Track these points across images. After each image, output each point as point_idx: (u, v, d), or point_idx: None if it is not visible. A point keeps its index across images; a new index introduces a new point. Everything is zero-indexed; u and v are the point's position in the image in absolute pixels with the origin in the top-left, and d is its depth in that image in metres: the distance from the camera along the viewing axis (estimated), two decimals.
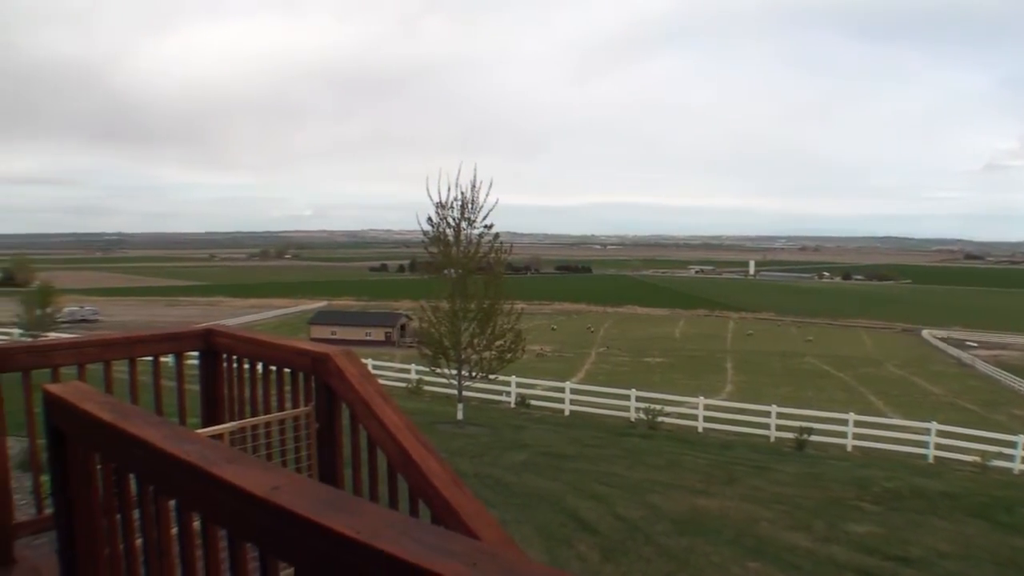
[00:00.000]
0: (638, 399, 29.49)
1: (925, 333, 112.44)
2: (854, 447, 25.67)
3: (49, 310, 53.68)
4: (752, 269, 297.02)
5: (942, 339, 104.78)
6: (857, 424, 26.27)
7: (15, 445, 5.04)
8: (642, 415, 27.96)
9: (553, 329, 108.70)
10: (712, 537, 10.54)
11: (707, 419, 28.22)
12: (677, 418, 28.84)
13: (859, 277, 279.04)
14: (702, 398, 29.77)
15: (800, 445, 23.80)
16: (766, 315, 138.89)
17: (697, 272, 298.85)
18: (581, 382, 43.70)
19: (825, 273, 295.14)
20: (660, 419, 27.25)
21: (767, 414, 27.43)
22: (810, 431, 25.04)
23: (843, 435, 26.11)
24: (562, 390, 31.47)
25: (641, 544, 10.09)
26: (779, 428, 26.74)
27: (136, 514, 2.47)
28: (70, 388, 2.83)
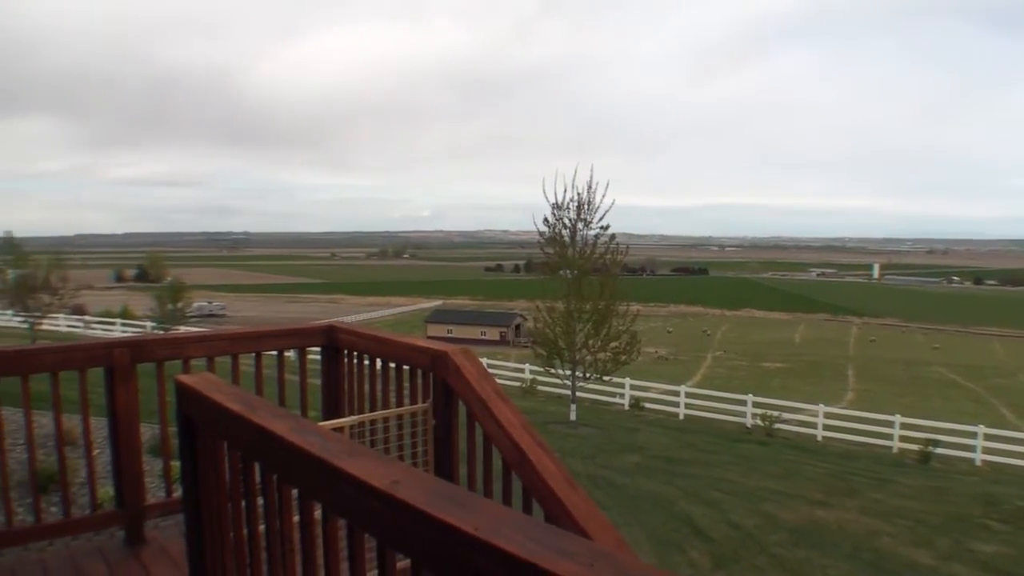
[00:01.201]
0: (755, 405, 28.92)
1: None
2: (983, 462, 24.50)
3: (180, 305, 55.85)
4: (876, 272, 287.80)
5: None
6: (987, 438, 25.03)
7: (147, 431, 5.27)
8: (759, 421, 27.42)
9: (669, 332, 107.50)
10: (829, 550, 10.28)
11: (827, 427, 27.43)
12: (795, 425, 28.18)
13: (992, 282, 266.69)
14: (822, 406, 28.98)
15: (925, 458, 22.91)
16: (890, 321, 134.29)
17: (818, 275, 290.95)
18: (696, 386, 43.12)
19: (955, 278, 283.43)
20: (777, 426, 26.69)
21: (890, 424, 26.47)
22: (936, 443, 24.08)
23: (971, 449, 24.91)
24: (677, 393, 31.10)
25: (755, 553, 9.92)
26: (903, 439, 25.77)
27: (260, 501, 2.55)
28: (201, 379, 2.94)
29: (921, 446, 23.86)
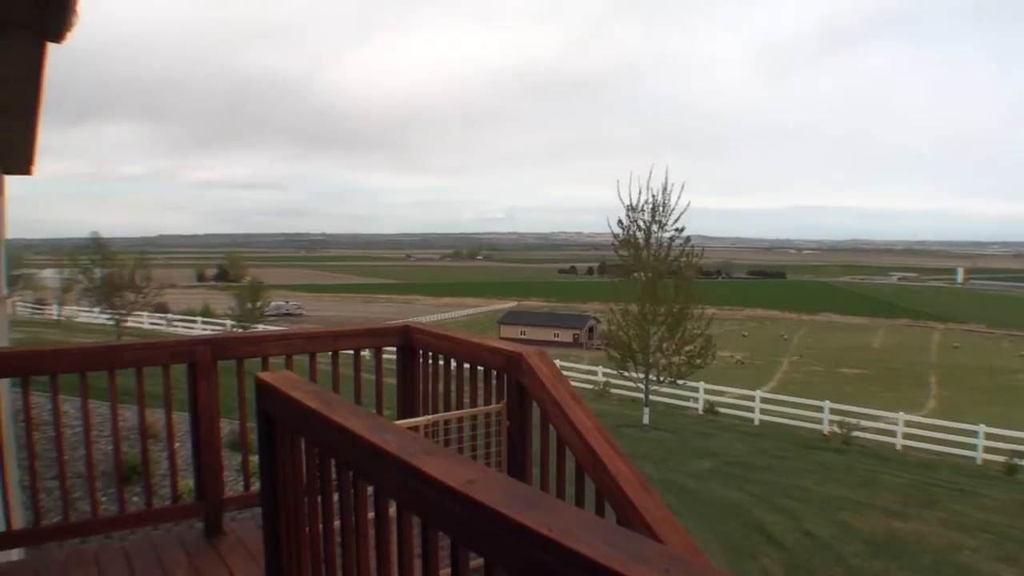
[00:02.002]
0: (831, 411, 28.39)
1: None
2: None
3: (258, 304, 56.96)
4: (960, 276, 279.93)
5: None
6: None
7: (226, 427, 5.38)
8: (836, 428, 26.92)
9: (744, 336, 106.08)
10: (908, 562, 10.05)
11: (906, 436, 26.80)
12: (874, 433, 27.57)
13: None
14: (902, 414, 28.30)
15: (1011, 470, 22.21)
16: (975, 327, 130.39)
17: (899, 279, 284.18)
18: (772, 391, 42.48)
19: None
20: (855, 433, 26.16)
21: (974, 434, 25.73)
22: (1023, 455, 23.33)
23: None
24: (751, 398, 30.72)
25: (830, 563, 9.75)
26: (987, 450, 25.03)
27: (335, 497, 2.58)
28: (280, 377, 2.99)
29: (1007, 457, 23.14)
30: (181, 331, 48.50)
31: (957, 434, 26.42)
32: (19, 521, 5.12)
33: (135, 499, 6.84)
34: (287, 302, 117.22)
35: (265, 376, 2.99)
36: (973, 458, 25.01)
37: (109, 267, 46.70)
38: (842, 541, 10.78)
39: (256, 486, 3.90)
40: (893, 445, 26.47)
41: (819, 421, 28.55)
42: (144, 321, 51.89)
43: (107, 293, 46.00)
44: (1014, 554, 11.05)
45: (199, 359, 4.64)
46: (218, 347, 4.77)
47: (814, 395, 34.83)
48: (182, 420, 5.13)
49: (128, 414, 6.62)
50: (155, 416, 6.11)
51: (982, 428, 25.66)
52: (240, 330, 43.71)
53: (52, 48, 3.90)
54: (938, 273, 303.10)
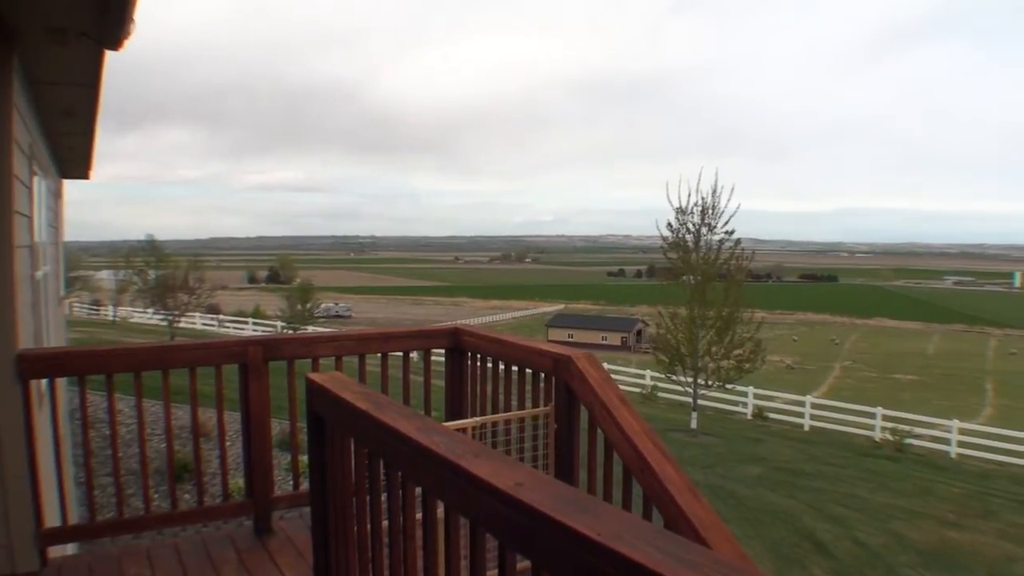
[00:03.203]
0: (884, 418, 27.95)
1: None
2: None
3: (308, 305, 57.55)
4: (1018, 281, 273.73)
5: None
6: None
7: (276, 426, 5.45)
8: (888, 435, 26.47)
9: (795, 340, 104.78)
10: (961, 574, 9.86)
11: (962, 444, 26.27)
12: (928, 441, 27.11)
13: None
14: (957, 421, 27.75)
15: None
16: None
17: (954, 283, 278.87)
18: (823, 397, 41.92)
19: None
20: (908, 441, 25.71)
21: None
22: None
23: None
24: (802, 404, 30.35)
25: (881, 574, 9.61)
26: None
27: (383, 497, 2.60)
28: (331, 378, 3.02)
29: None
30: (232, 332, 49.14)
31: (1015, 443, 25.85)
32: (74, 516, 5.23)
33: (187, 496, 6.95)
34: (337, 304, 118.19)
35: (315, 377, 3.02)
36: None
37: (163, 269, 47.54)
38: (894, 551, 10.60)
39: (305, 485, 3.94)
40: (948, 453, 25.98)
41: (871, 428, 28.13)
42: (196, 322, 52.67)
43: (161, 294, 46.84)
44: None
45: (251, 359, 4.70)
46: (269, 348, 4.83)
47: (866, 401, 34.36)
48: (233, 420, 5.20)
49: (180, 413, 6.74)
50: (207, 415, 6.20)
51: None
52: (291, 331, 44.20)
53: (110, 55, 3.98)
54: (995, 277, 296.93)
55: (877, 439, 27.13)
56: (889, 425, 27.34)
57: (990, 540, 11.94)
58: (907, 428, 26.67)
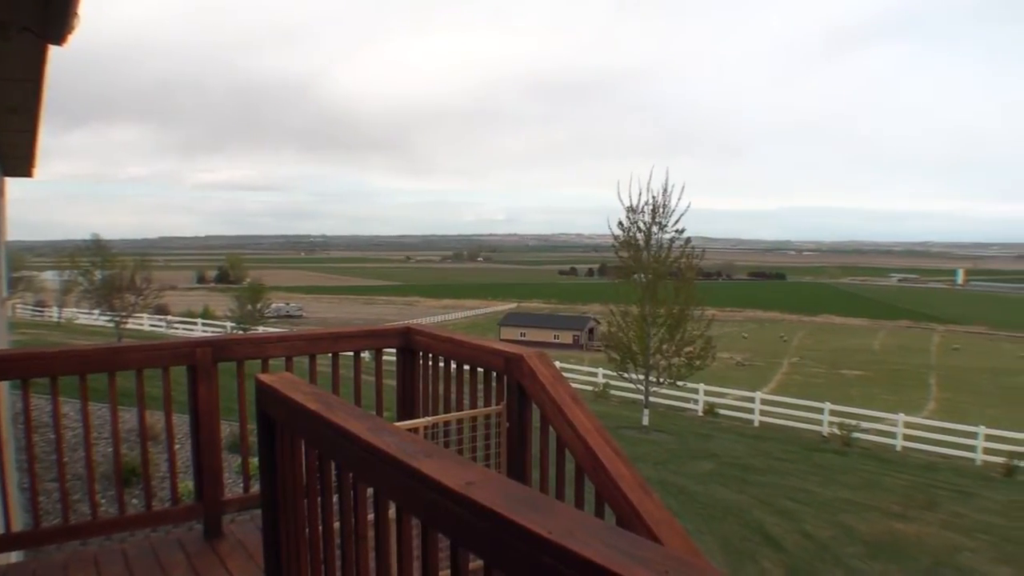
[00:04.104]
0: (832, 413, 28.37)
1: None
2: None
3: (259, 305, 57.01)
4: (960, 278, 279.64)
5: None
6: None
7: (226, 428, 5.39)
8: (836, 430, 26.89)
9: (744, 337, 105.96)
10: (907, 564, 10.04)
11: (907, 438, 26.78)
12: (874, 435, 27.55)
13: None
14: (902, 415, 28.27)
15: (1010, 471, 22.19)
16: (976, 329, 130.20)
17: (900, 280, 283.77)
18: (772, 393, 42.44)
19: None
20: (856, 435, 26.14)
21: (974, 435, 25.71)
22: (1023, 456, 23.31)
23: None
24: (752, 400, 30.71)
25: (830, 565, 9.74)
26: (987, 451, 25.01)
27: (335, 499, 2.59)
28: (280, 378, 2.99)
29: (1007, 459, 23.13)
30: (181, 333, 48.50)
31: (957, 436, 26.40)
32: (19, 523, 5.12)
33: (135, 501, 6.85)
34: (287, 304, 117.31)
35: (265, 378, 2.99)
36: (973, 460, 25.00)
37: (109, 269, 46.75)
38: (842, 543, 10.77)
39: (256, 488, 3.90)
40: (893, 447, 26.45)
41: (819, 423, 28.54)
42: (144, 323, 51.88)
43: (107, 295, 46.05)
44: (1014, 556, 11.05)
45: (199, 361, 4.64)
46: (218, 349, 4.77)
47: (814, 397, 34.81)
48: (182, 422, 5.14)
49: (128, 416, 6.64)
50: (155, 418, 6.12)
51: (982, 430, 25.64)
52: (240, 332, 43.74)
53: (55, 50, 3.90)
54: (939, 275, 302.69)
55: (825, 434, 27.54)
56: (837, 420, 27.76)
57: (934, 530, 12.17)
58: (854, 423, 27.10)
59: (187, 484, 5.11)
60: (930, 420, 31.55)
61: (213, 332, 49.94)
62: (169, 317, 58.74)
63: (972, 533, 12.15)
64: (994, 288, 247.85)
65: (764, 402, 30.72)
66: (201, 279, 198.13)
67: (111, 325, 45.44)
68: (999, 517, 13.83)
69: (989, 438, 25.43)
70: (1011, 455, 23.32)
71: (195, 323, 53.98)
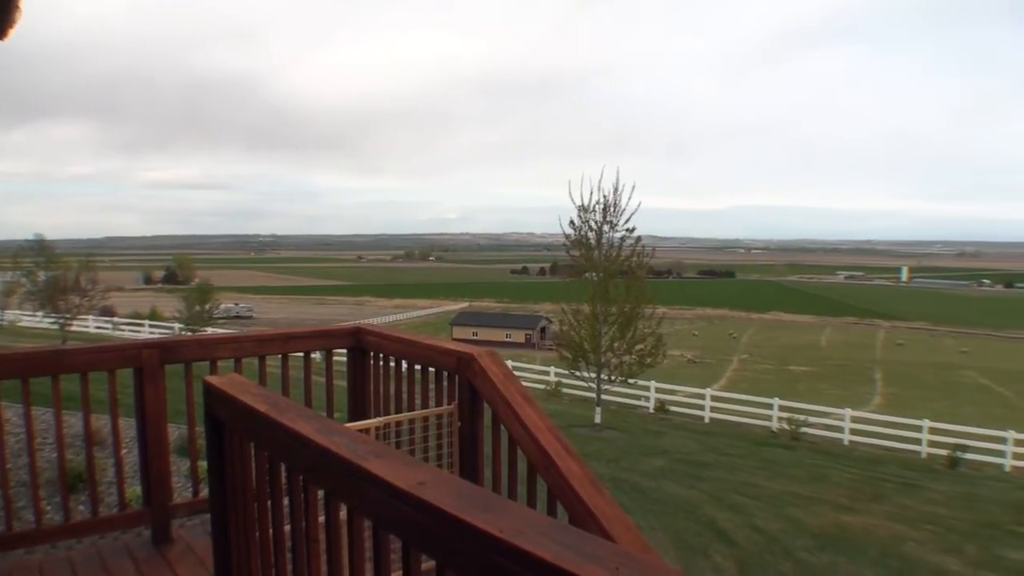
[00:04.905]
0: (781, 408, 28.70)
1: None
2: (1013, 467, 24.16)
3: (207, 306, 56.27)
4: (904, 275, 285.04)
5: None
6: (1017, 443, 24.63)
7: (174, 431, 5.31)
8: (785, 425, 27.21)
9: (694, 335, 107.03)
10: (855, 555, 10.19)
11: (854, 432, 27.15)
12: (822, 430, 27.93)
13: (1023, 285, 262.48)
14: (849, 410, 28.70)
15: (953, 463, 22.65)
16: (919, 324, 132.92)
17: (846, 278, 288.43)
18: (722, 389, 42.92)
19: (985, 280, 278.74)
20: (803, 430, 26.48)
21: (918, 429, 26.18)
22: (965, 449, 23.80)
23: (1001, 454, 24.58)
24: (702, 397, 30.96)
25: (780, 558, 9.85)
26: (931, 444, 25.48)
27: (286, 501, 2.57)
28: (229, 380, 2.96)
29: (950, 451, 23.60)
30: (128, 335, 47.72)
31: (902, 429, 26.86)
32: None
33: (81, 507, 6.71)
34: (237, 304, 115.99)
35: (213, 380, 2.96)
36: (918, 452, 25.45)
37: (53, 270, 45.80)
38: (791, 536, 10.90)
39: (205, 492, 3.86)
40: (841, 441, 26.83)
41: (768, 418, 28.84)
42: (90, 325, 50.90)
43: (51, 296, 45.11)
44: (957, 545, 11.26)
45: (146, 363, 4.58)
46: (166, 351, 4.71)
47: (763, 393, 35.23)
48: (129, 426, 5.06)
49: (73, 420, 6.51)
50: (101, 422, 6.01)
51: (926, 423, 26.12)
52: (188, 333, 43.15)
53: None
54: (884, 272, 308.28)
55: (774, 429, 27.83)
56: (785, 415, 28.07)
57: (881, 522, 12.36)
58: (802, 418, 27.41)
59: (135, 489, 5.03)
60: (876, 414, 32.06)
61: (160, 334, 49.21)
62: (116, 319, 57.72)
63: (917, 524, 12.37)
64: (936, 285, 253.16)
65: (714, 399, 30.97)
66: (148, 280, 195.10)
67: (56, 327, 44.54)
68: (943, 508, 14.11)
69: (933, 431, 25.91)
70: (954, 447, 23.77)
71: (142, 325, 53.12)
